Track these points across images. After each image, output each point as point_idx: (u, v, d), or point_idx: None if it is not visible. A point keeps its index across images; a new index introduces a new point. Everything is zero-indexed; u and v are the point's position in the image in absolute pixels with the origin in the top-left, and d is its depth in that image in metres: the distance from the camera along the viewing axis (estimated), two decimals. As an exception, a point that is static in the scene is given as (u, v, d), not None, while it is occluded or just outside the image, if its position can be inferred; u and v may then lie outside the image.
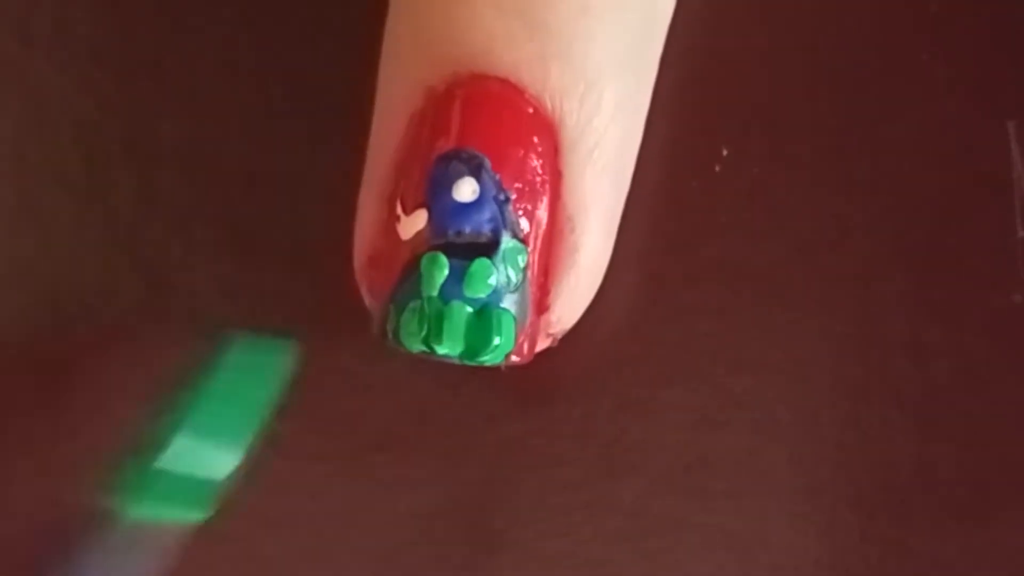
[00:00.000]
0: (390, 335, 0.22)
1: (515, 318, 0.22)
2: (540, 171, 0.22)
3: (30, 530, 0.25)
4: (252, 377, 0.24)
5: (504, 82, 0.21)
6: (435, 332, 0.21)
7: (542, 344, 0.23)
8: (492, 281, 0.21)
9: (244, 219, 0.25)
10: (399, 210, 0.22)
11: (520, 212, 0.22)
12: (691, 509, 0.25)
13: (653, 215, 0.25)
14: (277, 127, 0.26)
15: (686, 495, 0.25)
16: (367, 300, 0.23)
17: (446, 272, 0.21)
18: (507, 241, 0.21)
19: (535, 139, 0.21)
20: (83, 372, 0.25)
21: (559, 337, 0.23)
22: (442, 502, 0.25)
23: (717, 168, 0.25)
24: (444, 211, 0.21)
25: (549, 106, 0.21)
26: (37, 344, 0.26)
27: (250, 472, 0.24)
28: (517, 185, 0.21)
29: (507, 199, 0.21)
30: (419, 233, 0.21)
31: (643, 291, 0.25)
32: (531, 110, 0.21)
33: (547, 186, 0.22)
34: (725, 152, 0.25)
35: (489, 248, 0.21)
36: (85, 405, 0.25)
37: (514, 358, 0.22)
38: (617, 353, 0.25)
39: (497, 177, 0.21)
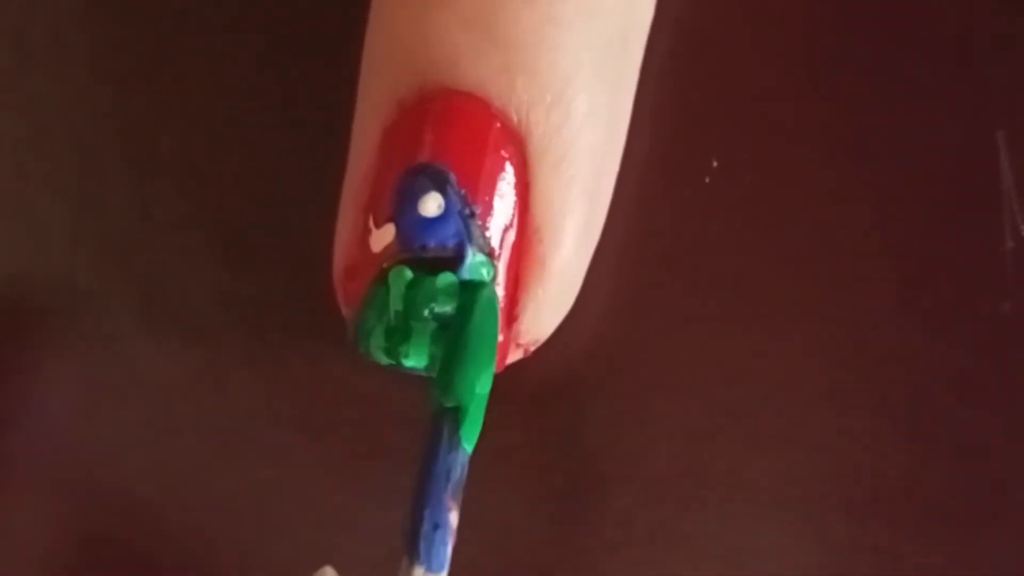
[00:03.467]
0: (361, 347, 0.22)
1: (481, 331, 0.22)
2: (508, 183, 0.22)
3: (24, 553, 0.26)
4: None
5: (471, 96, 0.21)
6: (400, 345, 0.21)
7: (513, 355, 0.23)
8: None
9: (239, 229, 0.26)
10: (371, 223, 0.22)
11: (487, 226, 0.22)
12: (682, 518, 0.25)
13: (643, 226, 0.25)
14: (272, 137, 0.26)
15: (677, 504, 0.25)
16: (343, 310, 0.23)
17: None
18: (472, 255, 0.21)
19: (503, 152, 0.22)
20: (77, 381, 0.26)
21: (531, 348, 0.23)
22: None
23: (707, 179, 0.25)
24: (410, 225, 0.21)
25: (515, 118, 0.21)
26: (30, 353, 0.26)
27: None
28: (484, 198, 0.21)
29: (472, 214, 0.21)
30: (388, 246, 0.22)
31: (633, 301, 0.25)
32: (499, 124, 0.21)
33: (515, 198, 0.22)
34: (715, 163, 0.25)
35: (454, 262, 0.21)
36: (79, 414, 0.26)
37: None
38: (608, 363, 0.25)
39: (463, 192, 0.21)
